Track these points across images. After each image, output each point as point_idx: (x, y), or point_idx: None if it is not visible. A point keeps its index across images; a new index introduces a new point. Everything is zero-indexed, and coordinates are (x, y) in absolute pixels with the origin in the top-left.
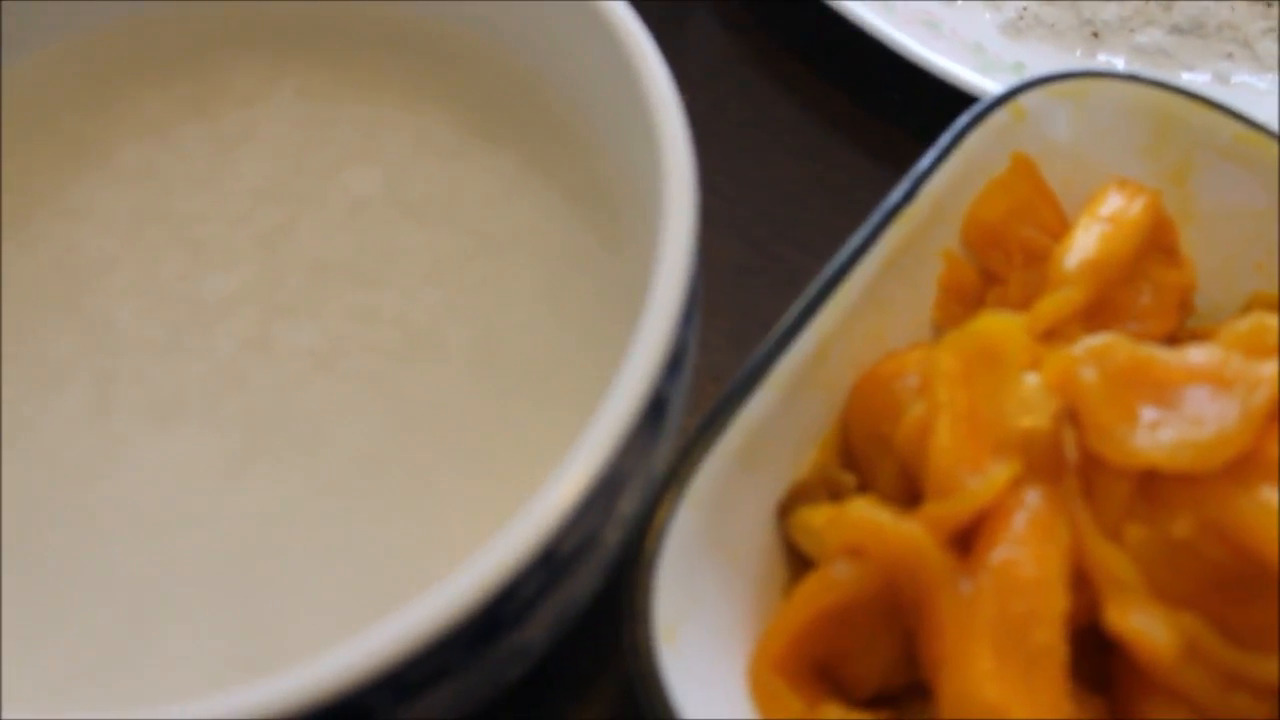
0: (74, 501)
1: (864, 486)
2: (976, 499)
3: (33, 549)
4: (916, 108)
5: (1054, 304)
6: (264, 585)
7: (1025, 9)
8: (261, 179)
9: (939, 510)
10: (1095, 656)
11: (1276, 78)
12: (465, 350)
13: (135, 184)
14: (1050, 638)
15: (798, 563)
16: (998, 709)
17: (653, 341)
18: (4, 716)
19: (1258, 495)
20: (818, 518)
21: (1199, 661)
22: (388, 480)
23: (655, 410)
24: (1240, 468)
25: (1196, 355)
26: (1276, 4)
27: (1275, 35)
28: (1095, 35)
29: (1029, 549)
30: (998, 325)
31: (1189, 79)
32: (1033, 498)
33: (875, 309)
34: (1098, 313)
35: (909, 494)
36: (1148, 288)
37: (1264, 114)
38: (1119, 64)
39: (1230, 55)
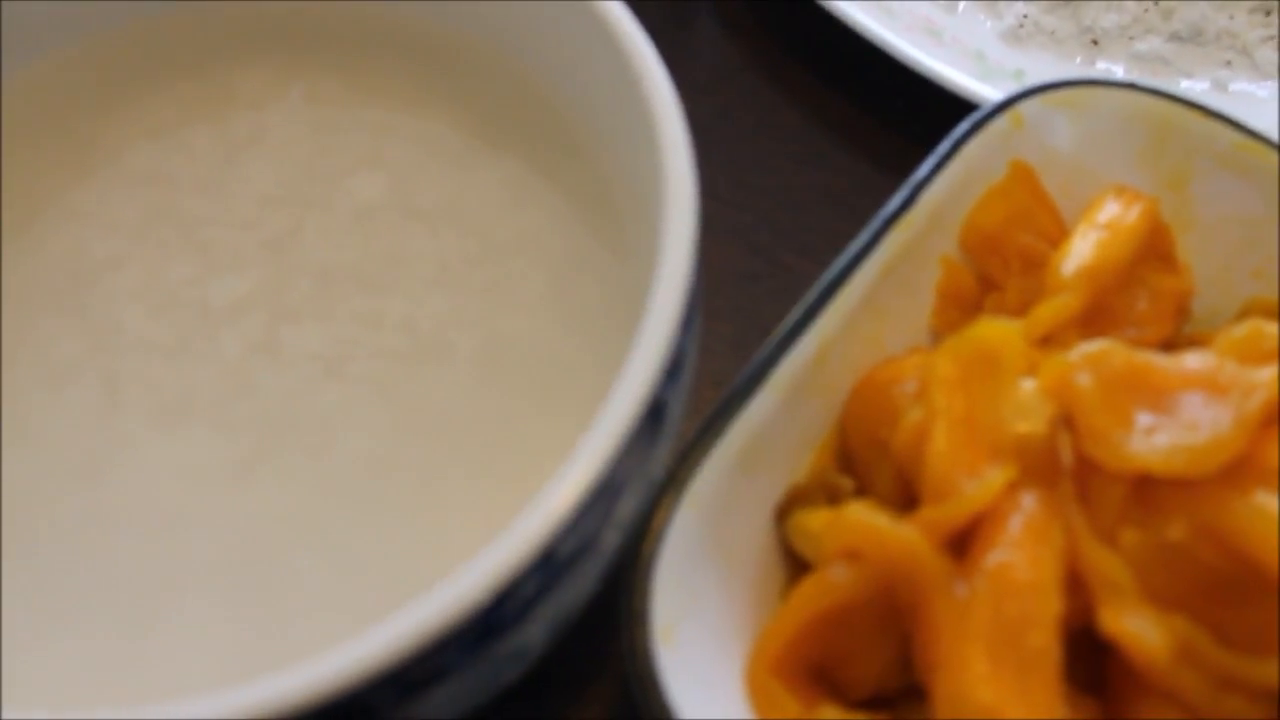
0: (79, 502)
1: (861, 490)
2: (972, 503)
3: (38, 548)
4: (918, 114)
5: (1051, 310)
6: (268, 587)
7: (1026, 17)
8: (269, 183)
9: (935, 514)
10: (1090, 659)
11: (1275, 85)
12: (470, 355)
13: (144, 186)
14: (1045, 640)
15: (795, 565)
16: (993, 711)
17: (652, 347)
18: (4, 716)
19: (1252, 500)
20: (815, 521)
21: (1192, 664)
22: (392, 483)
23: (654, 415)
24: (1234, 473)
25: (1192, 361)
26: (1275, 13)
27: (1274, 43)
28: (1095, 43)
29: (1024, 552)
30: (995, 331)
31: (1188, 86)
32: (1028, 502)
33: (874, 314)
34: (1094, 319)
35: (906, 498)
36: (1145, 294)
37: (1262, 122)
38: (1118, 71)
39: (1229, 63)
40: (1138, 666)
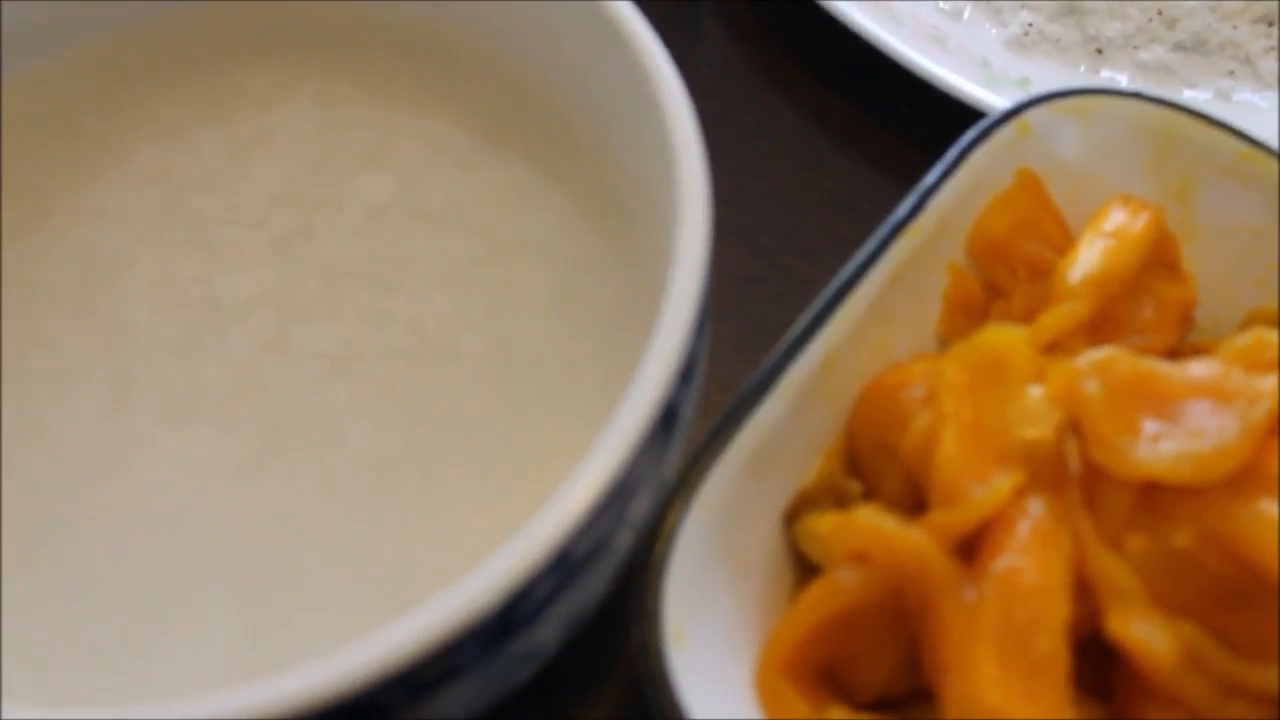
0: (88, 499)
1: (869, 495)
2: (980, 508)
3: (46, 545)
4: (923, 121)
5: (1057, 317)
6: (277, 586)
7: (1030, 25)
8: (277, 183)
9: (944, 518)
10: (1096, 664)
11: (1277, 95)
12: (478, 355)
13: (153, 186)
14: (1052, 645)
15: (804, 568)
16: (1001, 714)
17: (666, 351)
18: (7, 715)
19: (1257, 507)
20: (824, 524)
21: (1198, 670)
22: (400, 483)
23: (667, 419)
24: (1240, 480)
25: (1197, 369)
26: (1278, 24)
27: (1276, 54)
28: (1099, 52)
29: (1032, 557)
30: (1002, 337)
31: (1191, 96)
32: (1036, 507)
33: (881, 321)
34: (1100, 326)
35: (914, 503)
36: (1150, 302)
37: (1265, 132)
38: (1122, 80)
39: (1232, 73)
40: (1144, 671)
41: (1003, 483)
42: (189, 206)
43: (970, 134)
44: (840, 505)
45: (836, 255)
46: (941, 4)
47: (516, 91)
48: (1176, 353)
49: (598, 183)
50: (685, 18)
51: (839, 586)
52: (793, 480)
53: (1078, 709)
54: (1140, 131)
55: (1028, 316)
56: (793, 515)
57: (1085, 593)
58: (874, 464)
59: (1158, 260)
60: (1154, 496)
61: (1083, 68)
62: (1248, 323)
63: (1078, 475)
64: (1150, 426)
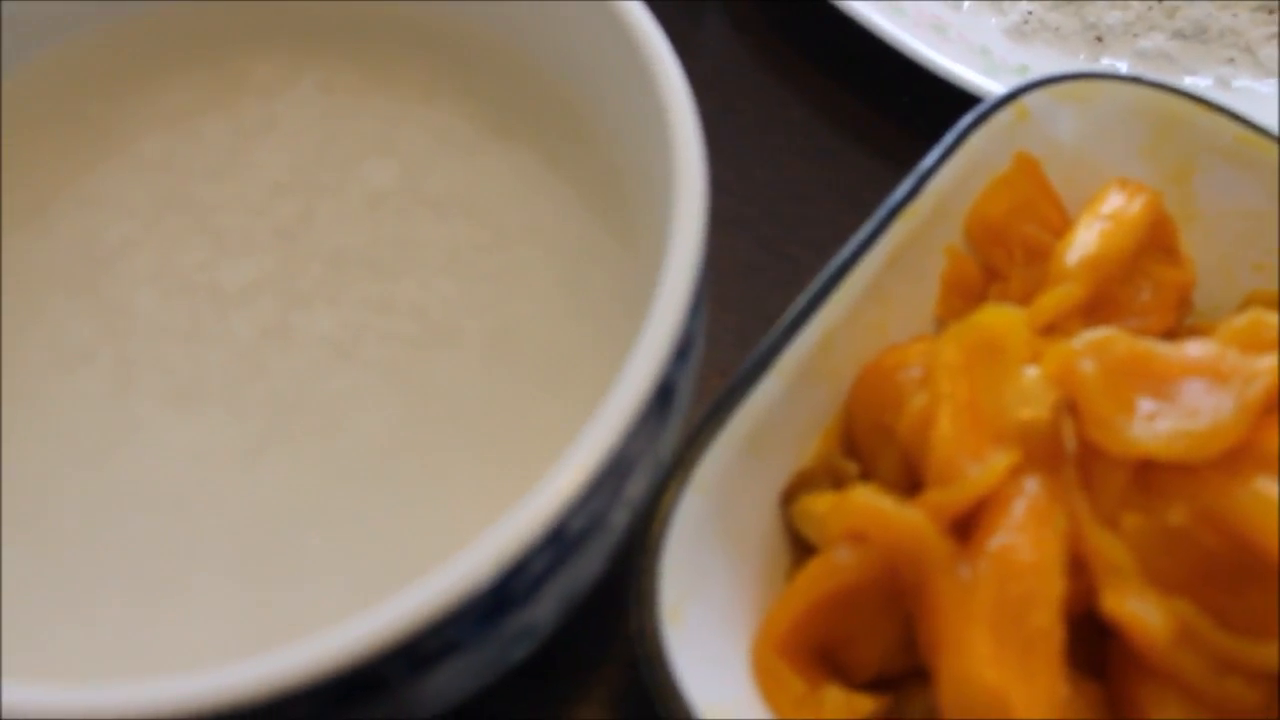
0: (92, 484)
1: (866, 475)
2: (976, 486)
3: (50, 530)
4: (924, 109)
5: (1055, 299)
6: (278, 569)
7: (1030, 13)
8: (281, 170)
9: (940, 497)
10: (1091, 642)
11: (1278, 82)
12: (480, 340)
13: (156, 173)
14: (1047, 621)
15: (800, 548)
16: (996, 691)
17: (662, 328)
18: (7, 693)
19: (1252, 485)
20: (821, 504)
21: (1193, 647)
22: (402, 467)
23: (663, 396)
24: (1235, 458)
25: (1194, 349)
26: (1278, 11)
27: (1277, 41)
28: (1099, 40)
29: (1027, 535)
30: (999, 318)
31: (1191, 83)
32: (1031, 486)
33: (879, 302)
34: (1098, 308)
35: (910, 483)
36: (1147, 285)
37: (1266, 119)
38: (1122, 68)
39: (1232, 60)
40: (1139, 649)
41: (998, 462)
42: (192, 193)
43: (968, 118)
44: (837, 485)
45: (838, 244)
46: None
47: (519, 80)
48: (1174, 336)
49: (600, 170)
50: (690, 9)
51: (835, 566)
52: (790, 460)
53: (1072, 686)
54: (1138, 116)
55: (1025, 299)
56: (790, 495)
57: (1080, 570)
58: (871, 444)
59: (1155, 244)
60: (1149, 475)
61: (1082, 56)
62: (1246, 306)
63: (1073, 454)
64: (1146, 405)
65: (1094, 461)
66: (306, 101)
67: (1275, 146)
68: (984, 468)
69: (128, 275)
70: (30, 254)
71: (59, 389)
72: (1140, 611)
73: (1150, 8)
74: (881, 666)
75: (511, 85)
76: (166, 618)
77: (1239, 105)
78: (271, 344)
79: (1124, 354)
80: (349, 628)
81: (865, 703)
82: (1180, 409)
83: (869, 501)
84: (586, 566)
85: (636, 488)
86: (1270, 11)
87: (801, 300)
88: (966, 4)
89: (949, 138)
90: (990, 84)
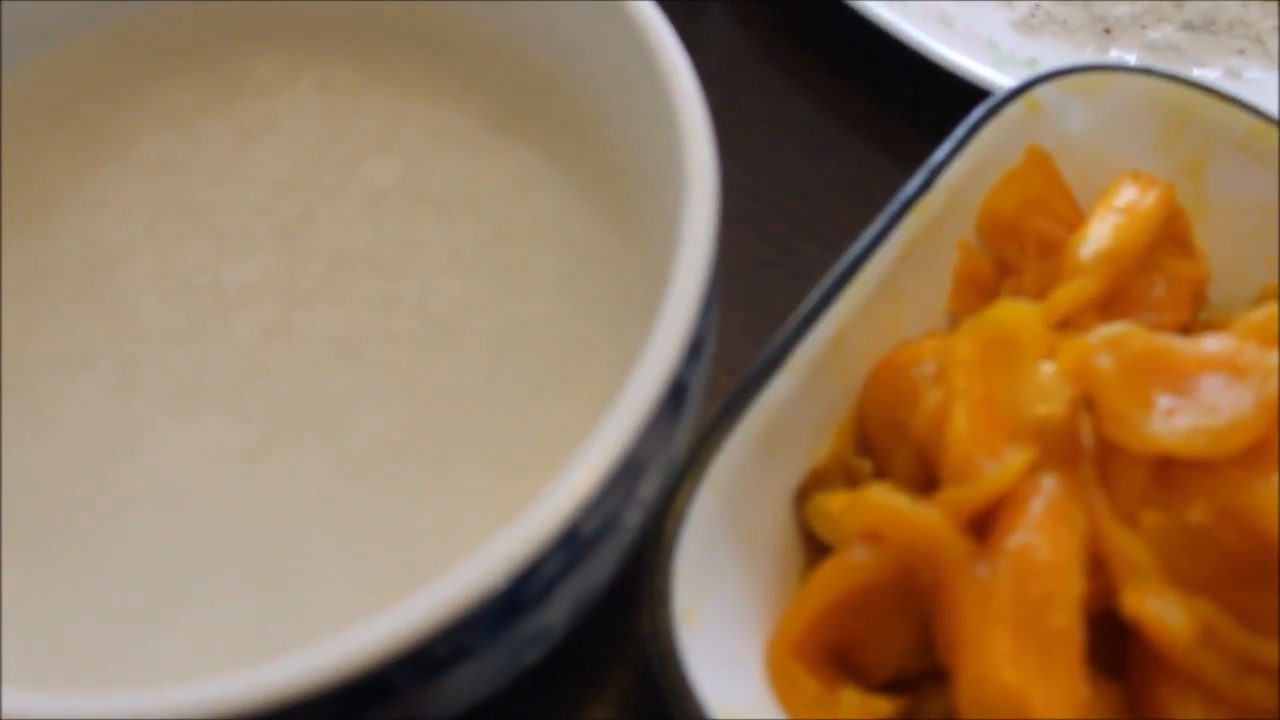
0: (95, 487)
1: (880, 473)
2: (993, 484)
3: (54, 533)
4: (931, 104)
5: (1069, 293)
6: (284, 570)
7: (1038, 6)
8: (282, 169)
9: (956, 495)
10: (1111, 641)
11: None
12: (485, 339)
13: (156, 174)
14: (1067, 621)
15: (815, 548)
16: (1015, 691)
17: (674, 327)
18: (7, 703)
19: (1272, 482)
20: (835, 503)
21: (1214, 646)
22: (408, 467)
23: (676, 395)
24: (1255, 454)
25: (1211, 344)
26: None
27: None
28: (1107, 32)
29: (1045, 534)
30: (1014, 313)
31: (1201, 75)
32: (1049, 483)
33: (891, 298)
34: (1112, 303)
35: (925, 480)
36: (1161, 279)
37: (1277, 110)
38: (1131, 60)
39: (1242, 51)
40: (1159, 648)
41: (1015, 459)
42: (192, 194)
43: (979, 111)
44: (851, 484)
45: (846, 239)
46: None
47: (523, 76)
48: (1189, 330)
49: (605, 166)
50: (693, 4)
51: (850, 566)
52: (803, 459)
53: (1092, 686)
54: (1150, 108)
55: (1038, 293)
56: (803, 494)
57: (1099, 569)
58: (885, 442)
59: (1169, 237)
60: (1168, 472)
61: (1090, 48)
62: (1261, 299)
63: (1091, 451)
64: (1164, 401)
65: (1112, 458)
66: (307, 100)
67: None
68: (1001, 465)
69: (129, 278)
70: (31, 258)
71: (61, 393)
72: (1161, 611)
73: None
74: (898, 667)
75: (513, 81)
76: (171, 622)
77: (1249, 96)
78: (274, 345)
79: (1141, 349)
80: (357, 634)
81: (882, 704)
82: (1199, 405)
83: (884, 500)
84: (599, 568)
85: (649, 488)
86: None
87: (813, 296)
88: None
89: (960, 131)
90: (998, 77)
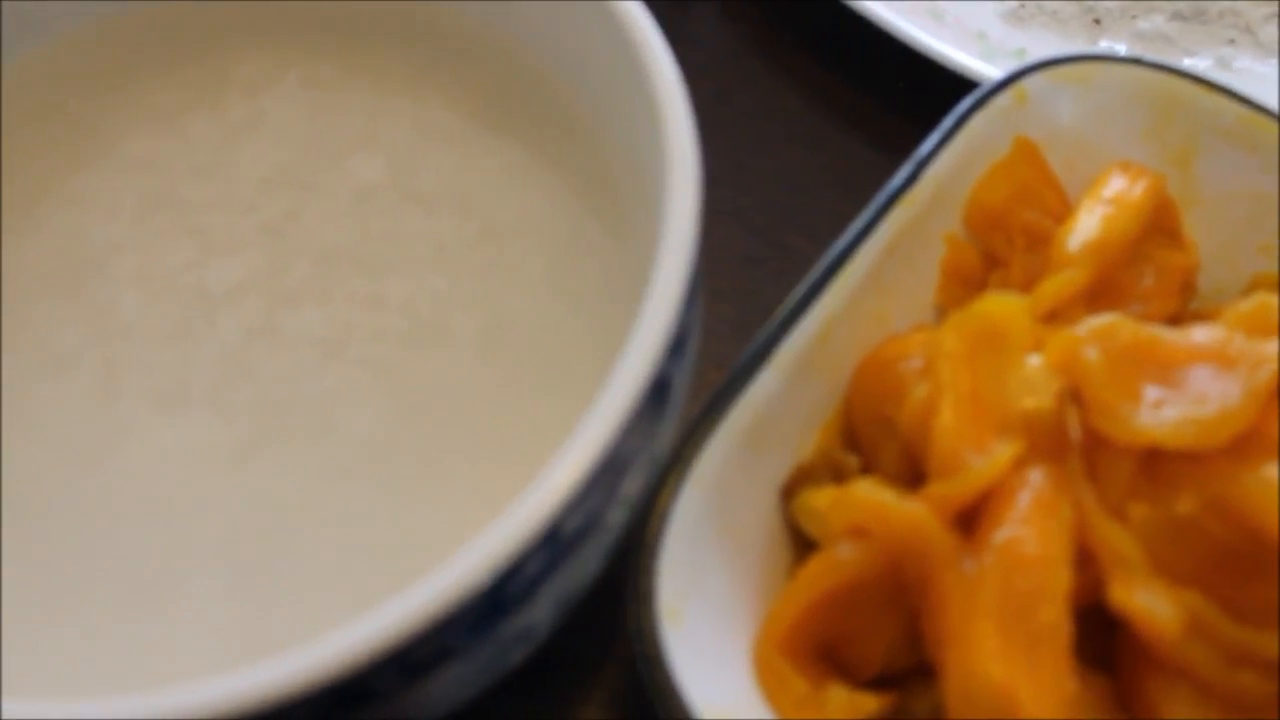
0: (81, 488)
1: (867, 468)
2: (980, 478)
3: (39, 535)
4: (921, 96)
5: (1057, 285)
6: (270, 570)
7: None
8: (267, 167)
9: (943, 490)
10: (1100, 634)
11: (1279, 63)
12: (471, 336)
13: (141, 172)
14: (1055, 615)
15: (801, 544)
16: (1003, 686)
17: (655, 322)
18: (7, 705)
19: (1261, 472)
20: (821, 499)
21: (1203, 638)
22: (395, 465)
23: (658, 391)
24: (1243, 445)
25: (1199, 335)
26: None
27: (1277, 21)
28: (1097, 22)
29: (1033, 527)
30: (1001, 306)
31: (1191, 65)
32: (1036, 477)
33: (878, 291)
34: (1100, 294)
35: (912, 475)
36: (1150, 270)
37: (1267, 100)
38: (1120, 50)
39: (1232, 41)
40: (1148, 641)
41: (1002, 452)
42: (178, 193)
43: (966, 102)
44: (838, 479)
45: (835, 233)
46: None
47: (507, 73)
48: (1179, 320)
49: (590, 162)
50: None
51: (837, 562)
52: (789, 455)
53: (1081, 680)
54: (1139, 98)
55: (1027, 286)
56: (790, 490)
57: (1087, 562)
58: (872, 437)
59: (1158, 227)
60: (1156, 464)
61: (1081, 39)
62: (1251, 289)
63: (1079, 444)
64: (1152, 393)
65: (1099, 451)
66: (292, 98)
67: (1277, 127)
68: (987, 459)
69: (114, 277)
70: (16, 257)
71: (46, 394)
72: (1149, 603)
73: None
74: (886, 664)
75: (498, 77)
76: (156, 625)
77: (1240, 86)
78: (259, 344)
79: (1128, 340)
80: (338, 637)
81: (869, 701)
82: (1187, 396)
83: (870, 496)
84: (583, 567)
85: (633, 486)
86: None
87: (799, 291)
88: None
89: (947, 123)
90: (987, 69)
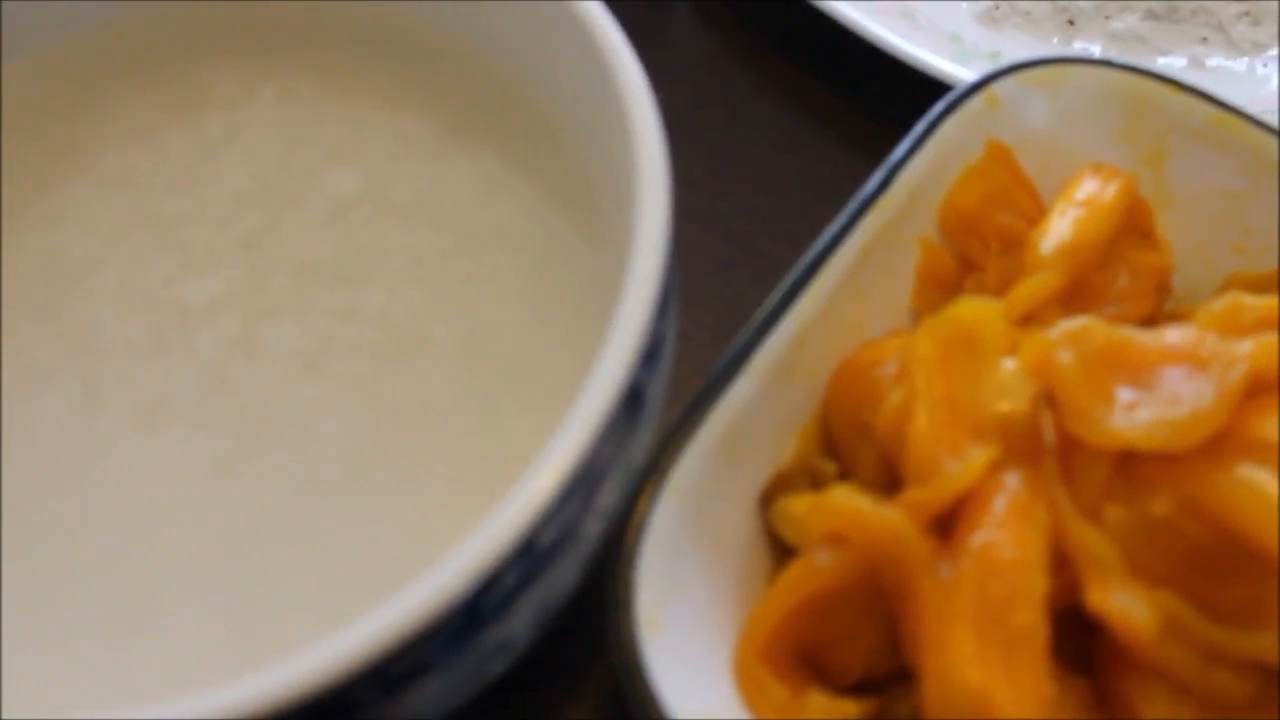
0: (60, 504)
1: (845, 474)
2: (955, 483)
3: (19, 551)
4: (896, 99)
5: (1030, 288)
6: (251, 584)
7: None
8: (244, 182)
9: (918, 495)
10: (1077, 637)
11: (1251, 61)
12: (449, 347)
13: (118, 189)
14: (1031, 619)
15: (780, 552)
16: (980, 690)
17: (628, 332)
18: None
19: (1234, 473)
20: (799, 506)
21: (1180, 639)
22: (374, 478)
23: (632, 401)
24: (1217, 446)
25: (1172, 336)
26: None
27: (1249, 19)
28: (1071, 23)
29: (1008, 531)
30: (975, 310)
31: (1165, 64)
32: (1012, 481)
33: (853, 297)
34: (1075, 297)
35: (890, 481)
36: (1125, 271)
37: (1240, 97)
38: (1095, 50)
39: (1205, 40)
40: (1125, 643)
41: (977, 457)
42: (155, 209)
43: (938, 107)
44: (815, 486)
45: (813, 237)
46: None
47: (481, 84)
48: (1154, 321)
49: (564, 171)
50: (657, 4)
51: (815, 568)
52: (767, 462)
53: (1059, 683)
54: (1109, 99)
55: (1002, 289)
56: (768, 498)
57: (1064, 565)
58: (849, 443)
59: (1132, 228)
60: (1131, 466)
61: (1055, 40)
62: (1225, 288)
63: (1053, 447)
64: (1125, 395)
65: (1074, 454)
66: (267, 112)
67: (1247, 126)
68: (963, 464)
69: (92, 294)
70: None
71: (25, 411)
72: (1125, 605)
73: None
74: (866, 669)
75: (472, 88)
76: (135, 640)
77: (1213, 85)
78: (238, 358)
79: (1102, 343)
80: (315, 653)
81: (850, 707)
82: (1160, 397)
83: (847, 502)
84: (560, 578)
85: (609, 496)
86: None
87: (773, 298)
88: None
89: (919, 127)
90: (961, 71)
